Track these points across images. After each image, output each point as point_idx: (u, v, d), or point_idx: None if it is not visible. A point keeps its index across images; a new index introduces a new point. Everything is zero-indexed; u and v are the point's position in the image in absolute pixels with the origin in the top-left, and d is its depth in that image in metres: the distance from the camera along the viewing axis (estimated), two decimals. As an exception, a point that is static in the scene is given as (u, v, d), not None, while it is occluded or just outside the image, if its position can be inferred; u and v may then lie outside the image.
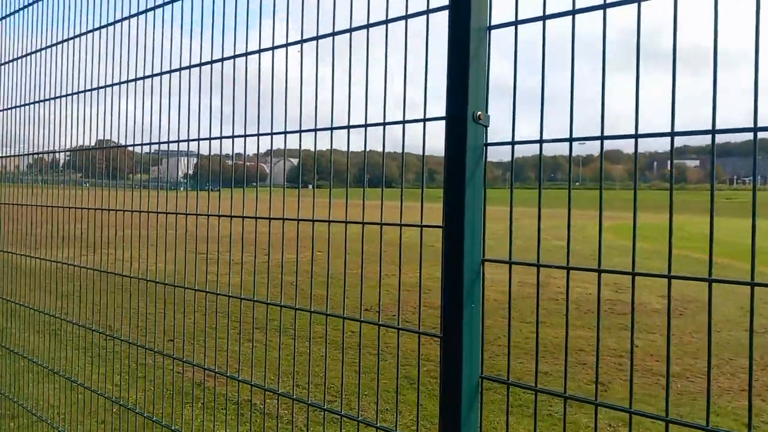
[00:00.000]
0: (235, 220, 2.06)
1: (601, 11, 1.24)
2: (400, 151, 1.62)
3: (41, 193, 3.19)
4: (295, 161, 2.09)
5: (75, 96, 2.82)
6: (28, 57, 3.19)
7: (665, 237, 1.19)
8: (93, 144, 2.87)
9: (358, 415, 1.69)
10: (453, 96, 1.38)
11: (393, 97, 1.55)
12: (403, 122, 1.54)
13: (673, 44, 1.13)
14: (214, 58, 2.09)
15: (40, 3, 3.08)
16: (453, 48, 1.38)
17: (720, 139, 1.12)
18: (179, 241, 2.31)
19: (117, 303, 2.69)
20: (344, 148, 1.72)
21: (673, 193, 1.21)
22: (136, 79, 2.44)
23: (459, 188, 1.37)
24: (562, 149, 1.32)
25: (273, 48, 1.88)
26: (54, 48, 2.97)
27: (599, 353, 1.38)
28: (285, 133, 1.85)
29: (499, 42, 1.41)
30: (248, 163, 2.19)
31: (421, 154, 1.59)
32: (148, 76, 2.37)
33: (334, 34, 1.70)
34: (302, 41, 1.78)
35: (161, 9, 2.32)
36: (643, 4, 1.19)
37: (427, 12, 1.49)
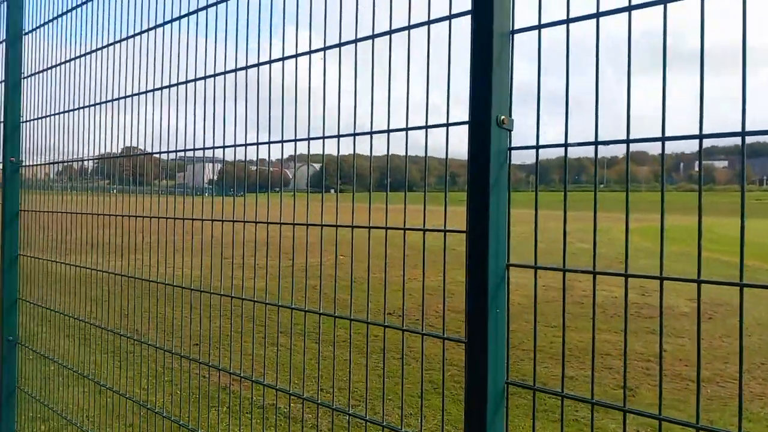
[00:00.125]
0: (259, 225, 2.08)
1: (625, 13, 1.23)
2: (422, 154, 1.62)
3: (70, 200, 3.26)
4: (317, 166, 2.11)
5: (102, 105, 2.88)
6: (56, 68, 3.26)
7: (692, 239, 1.17)
8: (119, 151, 2.92)
9: (382, 419, 1.69)
10: (476, 101, 1.37)
11: (415, 102, 1.56)
12: (426, 127, 1.54)
13: (701, 46, 1.11)
14: (238, 67, 2.11)
15: (66, 16, 3.15)
16: (476, 53, 1.38)
17: (748, 139, 1.10)
18: (204, 246, 2.34)
19: (144, 308, 2.73)
20: (366, 153, 1.73)
21: (702, 195, 1.19)
22: (162, 88, 2.48)
23: (483, 193, 1.36)
24: (587, 151, 1.31)
25: (296, 56, 1.90)
26: (80, 59, 3.04)
27: (627, 357, 1.36)
28: (308, 139, 1.86)
29: (522, 45, 1.41)
30: (272, 169, 2.21)
31: (442, 157, 1.58)
32: (173, 85, 2.41)
33: (356, 41, 1.71)
34: (325, 48, 1.80)
35: (186, 19, 2.36)
36: (667, 5, 1.18)
37: (450, 17, 1.49)
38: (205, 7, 2.26)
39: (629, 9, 1.22)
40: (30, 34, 3.55)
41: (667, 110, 1.19)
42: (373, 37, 1.67)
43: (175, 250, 2.51)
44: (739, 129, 1.07)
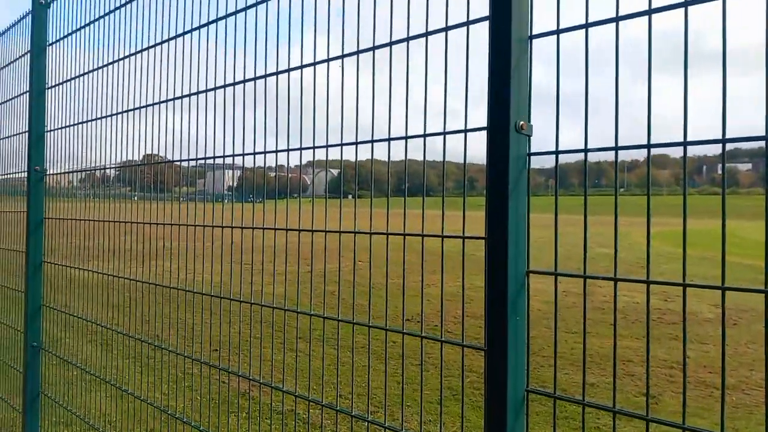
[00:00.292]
0: (278, 231, 2.09)
1: (645, 17, 1.22)
2: (440, 159, 1.62)
3: (92, 208, 3.31)
4: (335, 172, 2.12)
5: (123, 114, 2.92)
6: (79, 78, 3.32)
7: (714, 243, 1.16)
8: (140, 159, 2.96)
9: (401, 426, 1.69)
10: (495, 106, 1.37)
11: (433, 107, 1.56)
12: (444, 133, 1.53)
13: (723, 47, 1.09)
14: (257, 75, 2.13)
15: (89, 27, 3.21)
16: (494, 58, 1.37)
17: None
18: (224, 252, 2.36)
19: (164, 314, 2.76)
20: (384, 158, 1.73)
21: (725, 200, 1.16)
22: (181, 97, 2.51)
23: (502, 199, 1.35)
24: (606, 154, 1.29)
25: (314, 63, 1.91)
26: (102, 69, 3.09)
27: (649, 364, 1.34)
28: (326, 146, 1.87)
29: (540, 49, 1.40)
30: (290, 175, 2.22)
31: (460, 161, 1.58)
32: (193, 94, 2.44)
33: (374, 48, 1.71)
34: (343, 56, 1.81)
35: (205, 29, 2.39)
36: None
37: (467, 23, 1.48)
38: (224, 17, 2.28)
39: (649, 12, 1.21)
40: (53, 45, 3.63)
41: (689, 110, 1.17)
42: (390, 44, 1.67)
43: (195, 256, 2.53)
44: (763, 132, 1.05)
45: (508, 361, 1.36)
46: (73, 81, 3.38)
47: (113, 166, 3.15)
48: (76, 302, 3.42)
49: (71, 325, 3.46)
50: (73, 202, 3.53)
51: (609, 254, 1.31)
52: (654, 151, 1.22)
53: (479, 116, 1.43)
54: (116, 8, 2.95)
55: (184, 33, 2.49)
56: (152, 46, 2.68)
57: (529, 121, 1.38)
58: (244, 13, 2.20)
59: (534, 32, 1.38)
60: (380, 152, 1.74)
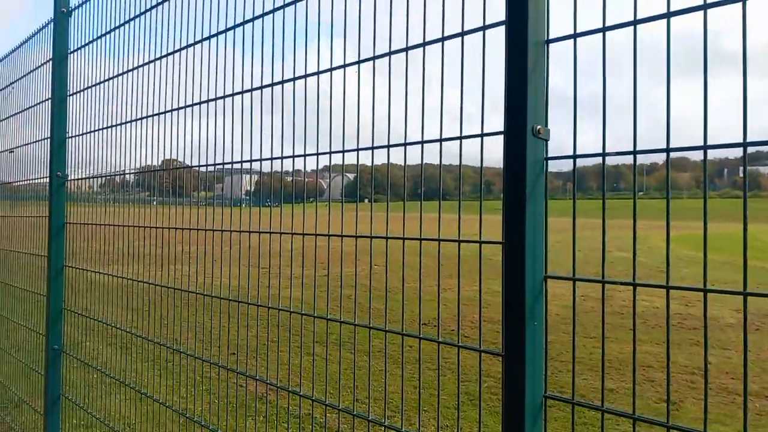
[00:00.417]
0: (295, 235, 2.10)
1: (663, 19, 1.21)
2: (456, 163, 1.61)
3: (112, 212, 3.35)
4: (352, 176, 2.13)
5: (142, 120, 2.96)
6: (100, 85, 3.38)
7: (735, 247, 1.14)
8: (159, 164, 2.99)
9: (418, 431, 1.68)
10: (512, 111, 1.36)
11: (449, 111, 1.56)
12: (461, 138, 1.53)
13: (743, 51, 1.08)
14: (274, 81, 2.15)
15: (110, 35, 3.26)
16: (511, 63, 1.37)
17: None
18: (242, 256, 2.37)
19: (183, 317, 2.78)
20: (400, 162, 1.73)
21: (747, 204, 1.15)
22: (200, 103, 2.54)
23: (519, 204, 1.35)
24: (625, 158, 1.28)
25: (330, 69, 1.92)
26: (122, 76, 3.14)
27: (669, 370, 1.32)
28: (343, 152, 1.87)
29: (557, 52, 1.39)
30: (307, 180, 2.23)
31: (476, 165, 1.57)
32: (211, 100, 2.47)
33: (390, 53, 1.72)
34: (359, 62, 1.81)
35: (223, 35, 2.41)
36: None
37: (484, 28, 1.48)
38: (242, 23, 2.31)
39: (668, 16, 1.19)
40: (75, 53, 3.69)
41: (709, 112, 1.15)
42: (407, 49, 1.67)
43: (213, 261, 2.56)
44: (785, 135, 1.03)
45: (526, 366, 1.35)
46: (93, 88, 3.44)
47: (133, 171, 3.20)
48: (96, 306, 3.47)
49: (91, 328, 3.51)
50: (93, 207, 3.58)
51: (628, 258, 1.30)
52: (673, 153, 1.20)
53: (496, 121, 1.43)
54: (136, 16, 3.00)
55: (202, 40, 2.52)
56: (170, 53, 2.72)
57: (546, 125, 1.38)
58: (261, 19, 2.22)
59: (551, 36, 1.38)
60: (396, 156, 1.74)
